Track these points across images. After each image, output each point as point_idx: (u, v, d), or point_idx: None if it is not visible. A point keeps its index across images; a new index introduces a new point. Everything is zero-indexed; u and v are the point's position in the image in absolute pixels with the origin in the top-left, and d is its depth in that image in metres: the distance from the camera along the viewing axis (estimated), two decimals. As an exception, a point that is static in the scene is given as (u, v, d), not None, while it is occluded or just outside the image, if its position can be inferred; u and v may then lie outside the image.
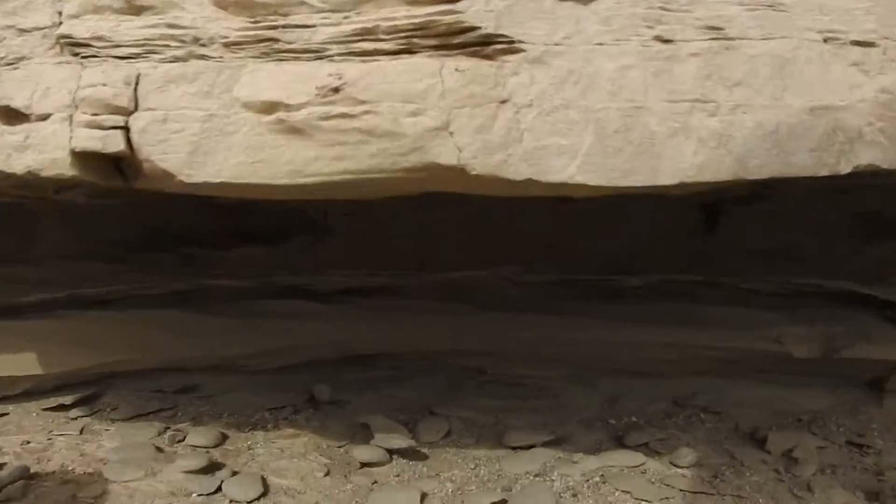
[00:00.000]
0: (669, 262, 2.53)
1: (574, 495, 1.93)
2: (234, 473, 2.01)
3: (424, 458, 2.24)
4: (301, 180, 1.19)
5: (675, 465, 2.14)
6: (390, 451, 2.19)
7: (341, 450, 2.27)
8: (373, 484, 2.03)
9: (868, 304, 2.46)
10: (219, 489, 1.91)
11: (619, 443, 2.35)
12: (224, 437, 2.29)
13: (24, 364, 2.37)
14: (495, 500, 1.86)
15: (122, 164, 1.38)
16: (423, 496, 1.93)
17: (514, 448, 2.29)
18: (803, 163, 1.41)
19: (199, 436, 2.26)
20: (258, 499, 1.86)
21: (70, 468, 2.07)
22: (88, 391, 2.56)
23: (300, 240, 2.57)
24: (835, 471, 2.12)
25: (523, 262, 2.53)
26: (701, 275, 2.45)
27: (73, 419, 2.51)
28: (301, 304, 2.50)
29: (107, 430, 2.47)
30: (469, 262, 2.51)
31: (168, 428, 2.34)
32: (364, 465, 2.15)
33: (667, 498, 1.89)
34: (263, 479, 1.96)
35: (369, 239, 2.56)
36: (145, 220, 2.59)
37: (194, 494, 1.90)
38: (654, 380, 2.74)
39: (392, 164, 1.24)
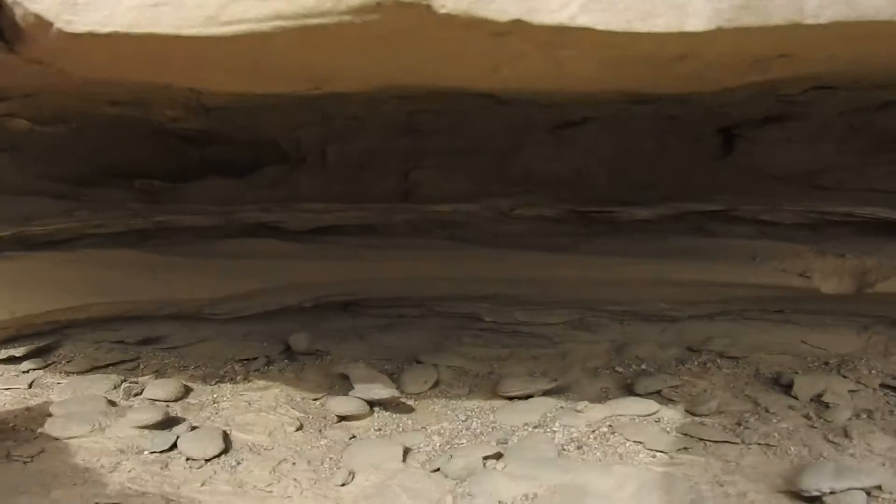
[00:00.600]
0: (682, 192, 2.27)
1: (579, 447, 1.70)
2: (194, 429, 1.78)
3: (409, 410, 2.01)
4: (218, 30, 0.90)
5: (692, 413, 1.91)
6: (371, 403, 1.96)
7: (317, 402, 2.04)
8: (350, 439, 1.80)
9: (904, 233, 2.21)
10: (174, 446, 1.69)
11: (629, 391, 2.12)
12: (187, 391, 2.06)
13: (-34, 311, 2.14)
14: (489, 453, 1.62)
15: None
16: (407, 451, 1.69)
17: (510, 398, 2.06)
18: (876, 4, 1.09)
19: (157, 388, 2.03)
20: (218, 456, 1.64)
21: (11, 424, 1.84)
22: (42, 342, 2.33)
23: (270, 171, 2.31)
24: (871, 415, 1.89)
25: (519, 195, 2.27)
26: (717, 204, 2.19)
27: (23, 372, 2.27)
28: (271, 244, 2.24)
29: (59, 383, 2.23)
30: (458, 195, 2.25)
31: (125, 380, 2.12)
32: (341, 418, 1.92)
33: (685, 448, 1.66)
34: (225, 435, 1.73)
35: (347, 170, 2.30)
36: (98, 151, 2.33)
37: (146, 452, 1.68)
38: (664, 324, 2.50)
39: (335, 3, 0.92)
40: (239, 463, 1.62)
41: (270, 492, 1.48)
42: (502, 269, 2.26)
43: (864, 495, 1.40)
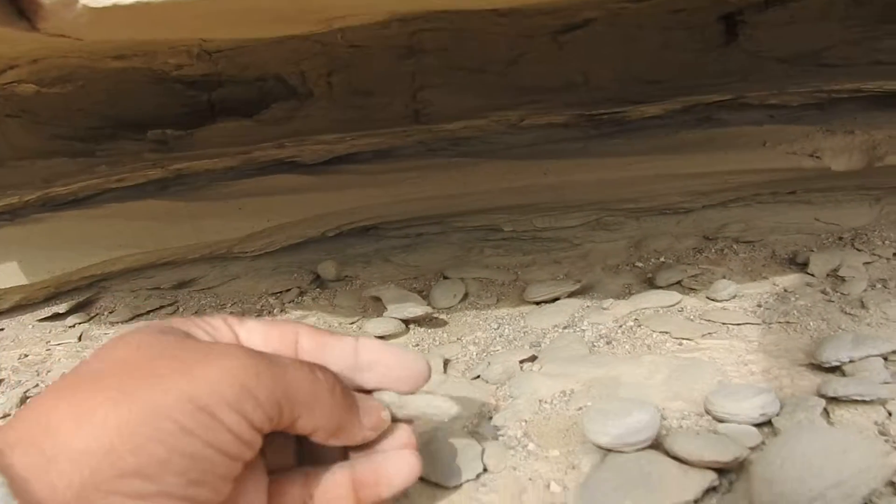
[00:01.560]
0: (689, 84, 2.28)
1: (608, 343, 1.78)
2: (242, 362, 1.86)
3: (443, 324, 2.09)
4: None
5: (713, 300, 1.98)
6: (406, 321, 2.04)
7: (354, 325, 2.12)
8: (391, 356, 1.89)
9: (912, 102, 2.22)
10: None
11: (650, 284, 2.19)
12: (229, 327, 2.16)
13: (6, 275, 2.22)
14: (524, 357, 1.71)
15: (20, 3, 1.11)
16: (446, 362, 1.77)
17: (537, 303, 2.14)
18: None
19: (201, 328, 2.12)
20: (270, 385, 1.72)
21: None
22: (82, 297, 2.43)
23: (279, 108, 2.33)
24: (886, 284, 1.94)
25: (527, 104, 2.28)
26: (724, 93, 2.20)
27: (70, 327, 2.35)
28: (288, 179, 2.29)
29: (106, 333, 2.33)
30: (468, 111, 2.27)
31: (169, 324, 2.21)
32: (380, 338, 2.02)
33: (709, 333, 1.73)
34: (273, 365, 1.81)
35: (354, 99, 2.32)
36: (105, 105, 2.36)
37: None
38: (680, 216, 2.56)
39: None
40: (291, 389, 1.69)
41: (326, 412, 1.56)
42: (517, 178, 2.30)
43: (882, 360, 1.46)
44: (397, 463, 0.74)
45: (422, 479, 1.25)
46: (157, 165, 2.16)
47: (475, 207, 2.35)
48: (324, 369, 0.69)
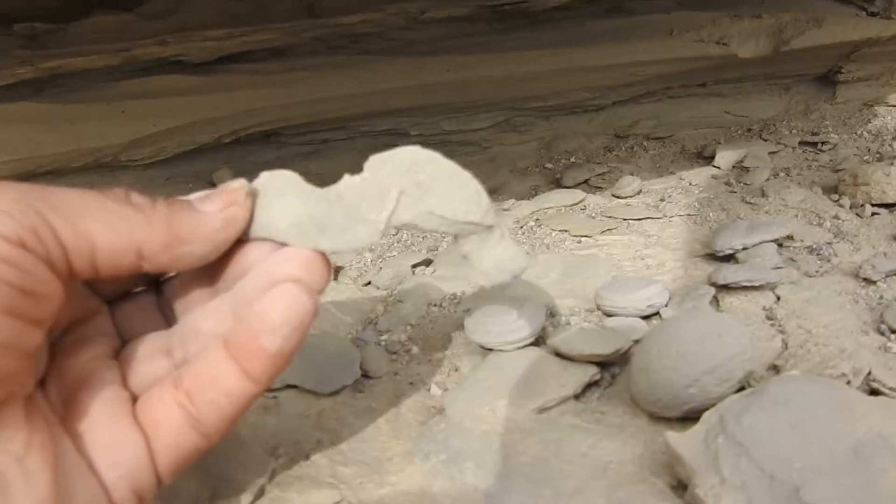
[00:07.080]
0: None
1: (507, 243, 1.73)
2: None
3: (343, 229, 2.02)
4: None
5: (617, 197, 1.94)
6: (305, 229, 1.96)
7: (250, 235, 2.03)
8: (284, 264, 1.81)
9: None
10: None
11: (558, 185, 2.15)
12: (116, 241, 2.04)
13: None
14: (417, 261, 1.65)
15: None
16: (338, 269, 1.68)
17: (441, 205, 2.08)
18: None
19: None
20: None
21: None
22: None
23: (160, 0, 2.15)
24: (789, 172, 1.94)
25: (427, -4, 2.15)
26: (632, -20, 2.11)
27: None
28: (175, 79, 2.12)
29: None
30: (365, 4, 2.13)
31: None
32: (276, 247, 1.93)
33: (609, 229, 1.69)
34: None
35: (242, -10, 2.15)
36: (-38, 1, 2.15)
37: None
38: (591, 114, 2.49)
39: None
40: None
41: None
42: (420, 76, 2.18)
43: (775, 246, 1.45)
44: (272, 300, 0.54)
45: (295, 387, 1.19)
46: (28, 63, 1.97)
47: (379, 109, 2.23)
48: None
